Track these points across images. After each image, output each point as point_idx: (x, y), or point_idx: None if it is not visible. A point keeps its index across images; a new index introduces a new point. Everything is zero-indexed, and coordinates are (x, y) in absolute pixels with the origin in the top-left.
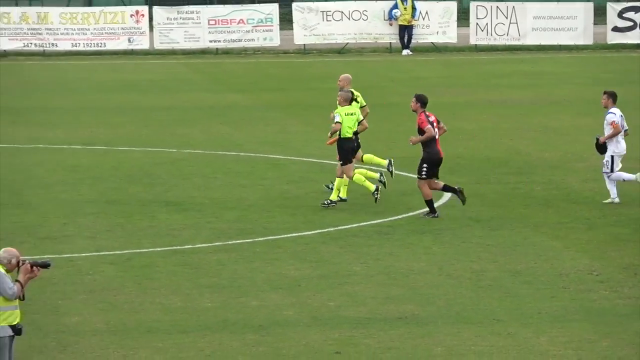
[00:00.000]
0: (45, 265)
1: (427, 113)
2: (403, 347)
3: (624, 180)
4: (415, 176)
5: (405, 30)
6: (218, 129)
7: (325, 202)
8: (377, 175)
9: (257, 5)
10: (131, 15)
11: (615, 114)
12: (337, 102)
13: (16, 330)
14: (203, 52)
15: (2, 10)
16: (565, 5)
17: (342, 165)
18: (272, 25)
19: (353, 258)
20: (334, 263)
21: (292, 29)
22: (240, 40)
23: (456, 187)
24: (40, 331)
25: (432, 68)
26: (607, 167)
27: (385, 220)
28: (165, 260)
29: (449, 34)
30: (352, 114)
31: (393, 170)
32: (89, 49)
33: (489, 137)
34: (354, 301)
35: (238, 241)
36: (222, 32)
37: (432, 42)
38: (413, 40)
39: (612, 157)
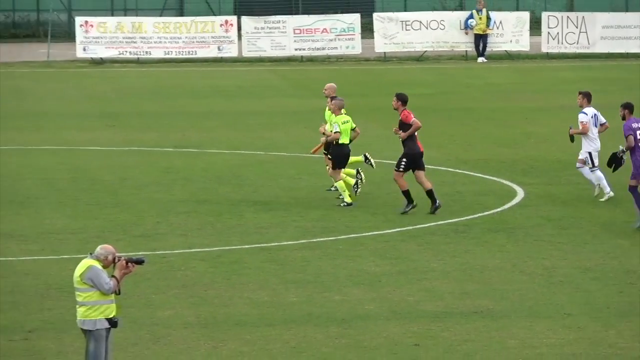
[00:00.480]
0: (139, 262)
1: (408, 110)
2: (478, 339)
3: (587, 178)
4: (491, 177)
5: (481, 39)
6: (302, 133)
7: (343, 204)
8: (353, 172)
9: (340, 15)
10: (221, 25)
11: (587, 114)
12: (331, 111)
13: (112, 322)
14: (289, 59)
15: (99, 20)
16: (632, 15)
17: (332, 169)
18: (354, 34)
19: (431, 255)
20: (413, 260)
21: (373, 38)
22: (323, 49)
23: (437, 202)
24: (134, 324)
25: (506, 75)
26: (589, 163)
27: (461, 219)
28: (253, 257)
29: (522, 43)
30: (347, 122)
31: (372, 162)
32: (180, 56)
33: (559, 141)
34: (431, 296)
35: (322, 239)
36: (306, 41)
37: (505, 50)
38: (488, 49)
39: (590, 153)
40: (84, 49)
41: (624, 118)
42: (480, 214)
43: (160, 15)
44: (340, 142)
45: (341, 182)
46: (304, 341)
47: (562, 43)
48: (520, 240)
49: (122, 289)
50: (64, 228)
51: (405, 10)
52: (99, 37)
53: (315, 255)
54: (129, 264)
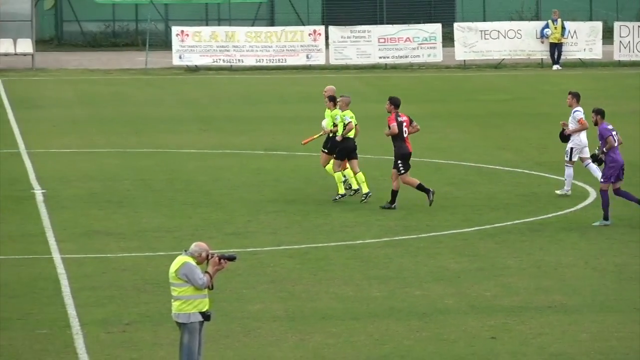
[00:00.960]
0: (231, 258)
1: (400, 114)
2: (552, 333)
3: (595, 175)
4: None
5: (555, 47)
6: (386, 137)
7: (350, 193)
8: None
9: (422, 25)
10: (309, 34)
11: (581, 112)
12: (330, 109)
13: (205, 316)
14: (373, 67)
15: (194, 29)
16: None
17: (335, 159)
18: (436, 43)
19: (507, 253)
20: (490, 257)
21: (453, 46)
22: (406, 57)
23: (430, 190)
24: (226, 317)
25: (580, 81)
26: (567, 156)
27: (536, 218)
28: (339, 254)
29: (595, 51)
30: (352, 117)
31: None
32: (271, 64)
33: (631, 144)
34: (507, 291)
35: (404, 237)
36: (390, 49)
37: (579, 58)
38: (562, 57)
39: (572, 148)
40: (180, 57)
41: (596, 123)
42: (554, 214)
43: (252, 25)
44: (346, 135)
45: (339, 174)
46: (386, 334)
47: (633, 51)
48: (592, 238)
49: (215, 284)
50: (160, 226)
51: (484, 20)
52: (194, 45)
53: (398, 252)
54: (222, 260)
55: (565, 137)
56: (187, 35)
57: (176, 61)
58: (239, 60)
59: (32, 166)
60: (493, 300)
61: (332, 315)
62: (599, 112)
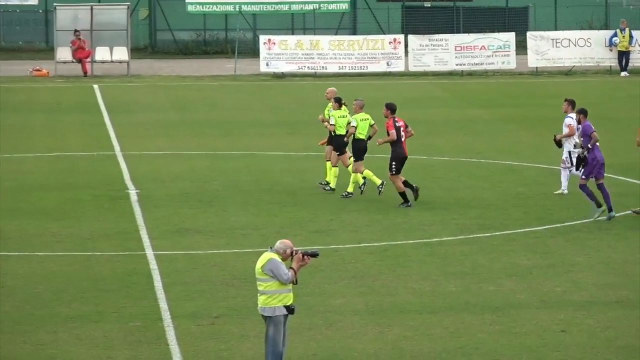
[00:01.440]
0: (314, 255)
1: (396, 119)
2: (619, 327)
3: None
4: (633, 180)
5: (623, 55)
6: (462, 139)
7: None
8: (379, 181)
9: (497, 34)
10: (389, 43)
11: (572, 119)
12: (353, 110)
13: (290, 309)
14: (450, 73)
15: (280, 38)
16: None
17: (355, 161)
18: (509, 51)
19: (577, 250)
20: (560, 254)
21: (526, 54)
22: (482, 64)
23: (414, 185)
24: (309, 310)
25: None
26: (568, 163)
27: (604, 217)
28: (417, 251)
29: None
30: (365, 120)
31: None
32: (353, 71)
33: None
34: (577, 287)
35: (478, 235)
36: (466, 57)
37: None
38: (630, 64)
39: (570, 152)
40: (267, 64)
41: (579, 122)
42: (622, 213)
43: (336, 34)
44: (357, 137)
45: (358, 175)
46: (461, 327)
47: None
48: None
49: (299, 279)
50: (247, 224)
51: (555, 30)
52: (280, 53)
53: (473, 249)
54: (305, 256)
55: (558, 143)
56: (274, 43)
57: (263, 68)
58: (322, 67)
59: (126, 167)
60: (563, 295)
61: (410, 309)
62: (582, 112)
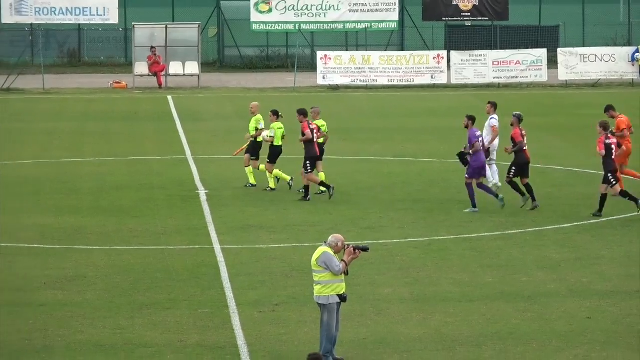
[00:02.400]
0: (364, 249)
1: (310, 122)
2: None
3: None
4: None
5: None
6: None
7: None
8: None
9: (530, 50)
10: (434, 58)
11: (496, 119)
12: (312, 117)
13: (342, 298)
14: (488, 86)
15: (335, 54)
16: None
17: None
18: (541, 66)
19: (601, 245)
20: (587, 248)
21: (556, 68)
22: (517, 77)
23: (331, 185)
24: (360, 299)
25: None
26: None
27: (627, 215)
28: (457, 246)
29: None
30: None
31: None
32: (401, 83)
33: None
34: (601, 278)
35: (513, 231)
36: (503, 71)
37: None
38: None
39: (488, 149)
40: (323, 77)
41: (467, 127)
42: None
43: (385, 50)
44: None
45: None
46: (497, 314)
47: None
48: None
49: (350, 270)
50: (304, 221)
51: (583, 46)
52: (335, 67)
53: (508, 244)
54: (356, 250)
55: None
56: (330, 58)
57: (320, 81)
58: (373, 80)
59: (196, 170)
60: (589, 285)
61: (451, 298)
62: (471, 118)
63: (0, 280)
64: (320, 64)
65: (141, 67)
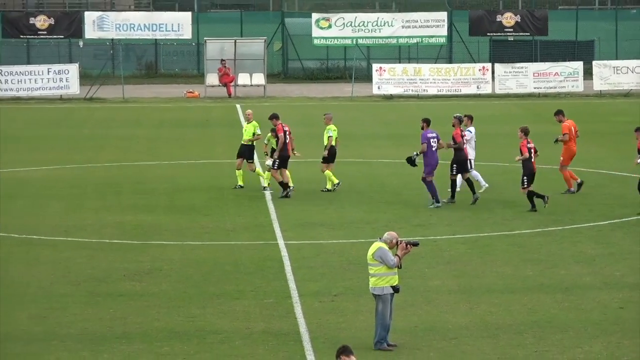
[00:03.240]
0: (415, 244)
1: (284, 125)
2: None
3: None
4: None
5: None
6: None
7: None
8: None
9: (568, 62)
10: (479, 70)
11: (472, 132)
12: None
13: (395, 289)
14: (529, 95)
15: (389, 66)
16: None
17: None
18: (578, 77)
19: (633, 241)
20: (619, 244)
21: (592, 79)
22: (555, 87)
23: (290, 187)
24: (412, 290)
25: None
26: (472, 166)
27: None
28: (500, 241)
29: None
30: (334, 130)
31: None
32: (449, 93)
33: None
34: (633, 271)
35: (551, 228)
36: (542, 82)
37: None
38: None
39: (471, 160)
40: (378, 88)
41: (422, 128)
42: None
43: (435, 63)
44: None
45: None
46: (537, 304)
47: None
48: None
49: (403, 264)
50: (361, 219)
51: (616, 59)
52: (389, 78)
53: (547, 240)
54: (408, 245)
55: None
56: (384, 70)
57: (375, 91)
58: (424, 90)
59: (263, 172)
60: (621, 278)
61: (495, 289)
62: (426, 121)
63: (83, 272)
64: (375, 75)
65: (212, 78)
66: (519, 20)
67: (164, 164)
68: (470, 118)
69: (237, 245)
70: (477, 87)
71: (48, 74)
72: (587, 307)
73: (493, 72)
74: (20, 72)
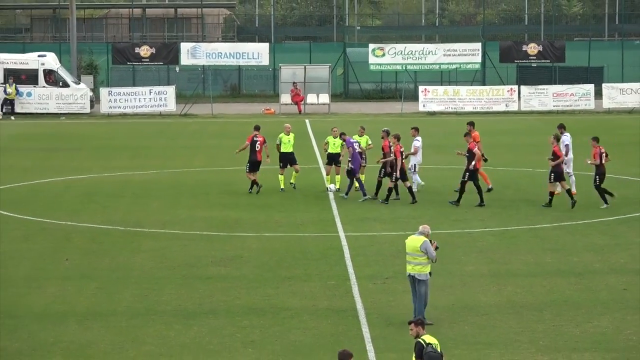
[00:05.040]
0: (437, 247)
1: (257, 135)
2: None
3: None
4: None
5: None
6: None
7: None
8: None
9: (582, 85)
10: (507, 91)
11: (419, 141)
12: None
13: (429, 274)
14: (549, 112)
15: (433, 87)
16: None
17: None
18: (590, 97)
19: (636, 233)
20: (624, 236)
21: (601, 99)
22: (571, 106)
23: (259, 185)
24: (449, 274)
25: None
26: (413, 169)
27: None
28: (524, 234)
29: None
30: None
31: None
32: (482, 110)
33: None
34: (634, 259)
35: (567, 223)
36: (560, 101)
37: None
38: None
39: (415, 165)
40: (424, 106)
41: (357, 135)
42: None
43: (471, 85)
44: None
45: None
46: (554, 287)
47: None
48: None
49: (441, 252)
50: (408, 215)
51: (622, 82)
52: (432, 98)
53: (563, 233)
54: (436, 246)
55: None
56: (428, 91)
57: (421, 108)
58: (461, 107)
59: (325, 175)
60: (625, 264)
61: (519, 274)
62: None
63: (178, 259)
64: (421, 95)
65: (286, 98)
66: (541, 50)
67: (242, 169)
68: (417, 129)
69: (305, 236)
70: (506, 105)
71: (150, 94)
72: (596, 289)
73: (519, 93)
74: (127, 92)
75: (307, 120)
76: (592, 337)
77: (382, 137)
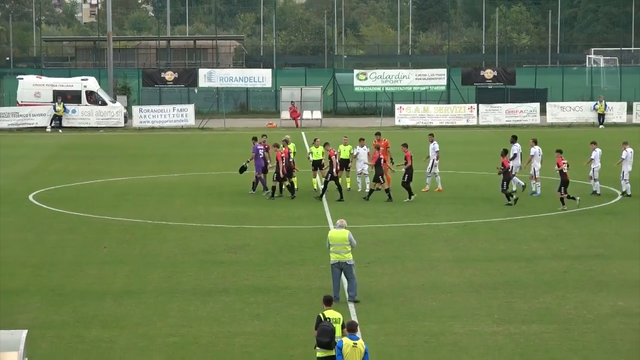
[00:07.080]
0: None
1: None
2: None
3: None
4: None
5: (601, 116)
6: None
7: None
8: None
9: (529, 103)
10: (468, 108)
11: (366, 149)
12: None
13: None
14: (502, 126)
15: (407, 105)
16: None
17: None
18: (536, 114)
19: (574, 226)
20: (564, 228)
21: (545, 115)
22: (520, 120)
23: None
24: (420, 260)
25: (614, 135)
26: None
27: (597, 206)
28: (482, 226)
29: (623, 118)
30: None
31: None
32: (447, 124)
33: None
34: (573, 247)
35: (518, 217)
36: (512, 116)
37: (614, 122)
38: (604, 121)
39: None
40: (399, 120)
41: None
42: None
43: (438, 103)
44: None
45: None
46: (508, 270)
47: None
48: None
49: (414, 240)
50: (386, 211)
51: (562, 101)
52: (406, 114)
53: (514, 225)
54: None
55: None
56: (403, 109)
57: (397, 122)
58: (430, 122)
59: (318, 178)
60: (565, 251)
61: (478, 259)
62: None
63: (196, 247)
64: (397, 112)
65: (285, 114)
66: (496, 74)
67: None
68: (362, 139)
69: (301, 228)
70: (467, 120)
71: (173, 111)
72: (541, 271)
73: (478, 110)
74: (154, 110)
75: (303, 133)
76: (538, 311)
77: (276, 146)
